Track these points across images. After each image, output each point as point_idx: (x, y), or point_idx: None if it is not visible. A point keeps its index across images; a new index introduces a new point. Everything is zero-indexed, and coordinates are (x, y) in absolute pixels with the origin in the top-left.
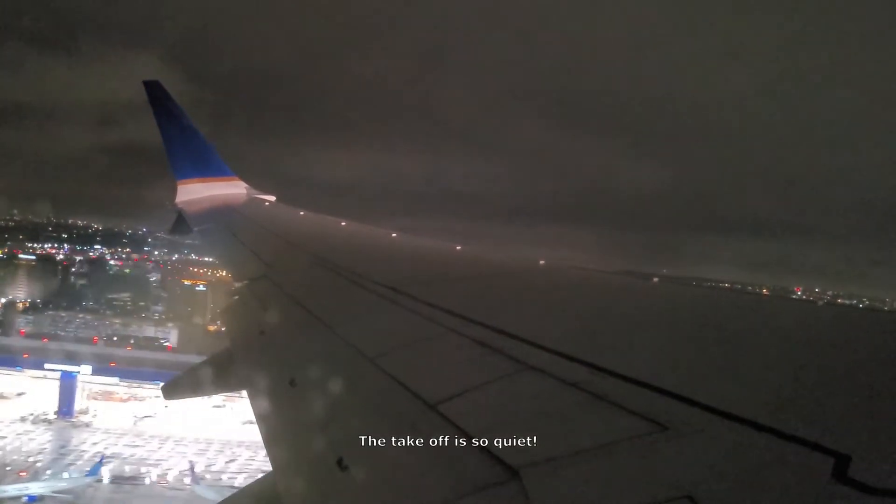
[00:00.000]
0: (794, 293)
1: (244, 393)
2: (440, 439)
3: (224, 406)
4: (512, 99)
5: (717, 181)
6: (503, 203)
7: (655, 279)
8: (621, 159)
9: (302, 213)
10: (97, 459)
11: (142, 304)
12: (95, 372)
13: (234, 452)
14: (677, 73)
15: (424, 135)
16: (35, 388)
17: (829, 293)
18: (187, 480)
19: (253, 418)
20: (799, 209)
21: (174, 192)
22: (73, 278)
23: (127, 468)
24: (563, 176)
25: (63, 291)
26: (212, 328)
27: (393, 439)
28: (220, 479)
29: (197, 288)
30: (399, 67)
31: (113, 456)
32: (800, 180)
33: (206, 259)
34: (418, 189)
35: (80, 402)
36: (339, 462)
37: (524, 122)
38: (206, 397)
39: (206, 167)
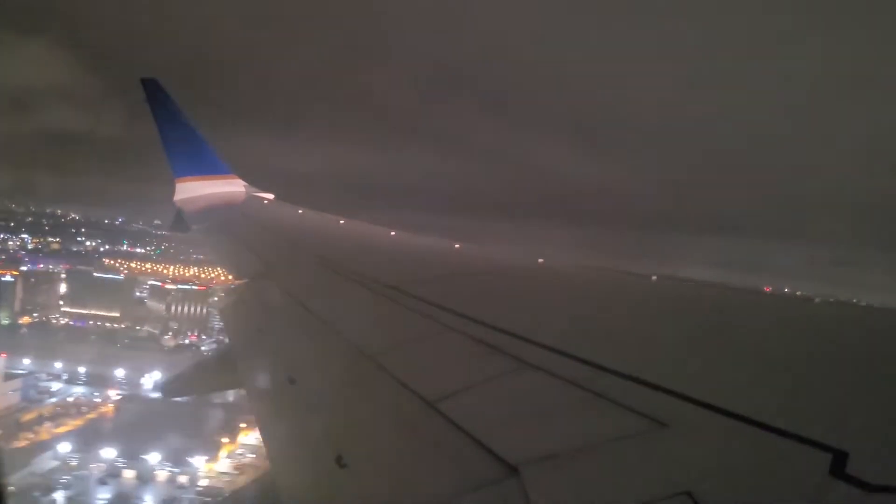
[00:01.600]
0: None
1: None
2: (440, 437)
3: None
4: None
5: (676, 181)
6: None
7: (654, 277)
8: (584, 159)
9: (301, 210)
10: None
11: None
12: None
13: None
14: (633, 71)
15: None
16: None
17: (798, 293)
18: None
19: None
20: (762, 210)
21: (173, 189)
22: None
23: None
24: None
25: None
26: (26, 320)
27: (392, 437)
28: None
29: (3, 279)
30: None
31: None
32: (761, 181)
33: (140, 251)
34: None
35: None
36: (338, 459)
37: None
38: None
39: (204, 165)
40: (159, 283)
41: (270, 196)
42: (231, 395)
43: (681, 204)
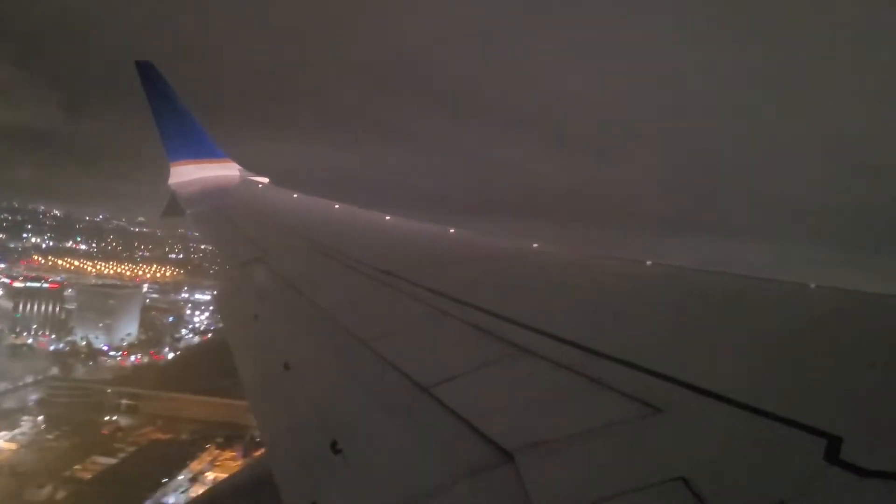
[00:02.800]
0: (723, 274)
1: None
2: (434, 422)
3: None
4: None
5: (644, 179)
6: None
7: (648, 262)
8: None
9: (295, 195)
10: None
11: None
12: None
13: None
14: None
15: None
16: None
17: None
18: None
19: None
20: (732, 209)
21: (167, 173)
22: None
23: None
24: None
25: None
26: None
27: (386, 422)
28: None
29: None
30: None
31: None
32: (734, 181)
33: (83, 248)
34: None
35: None
36: (333, 445)
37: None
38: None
39: (198, 149)
40: (8, 281)
41: (265, 180)
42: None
43: (653, 203)
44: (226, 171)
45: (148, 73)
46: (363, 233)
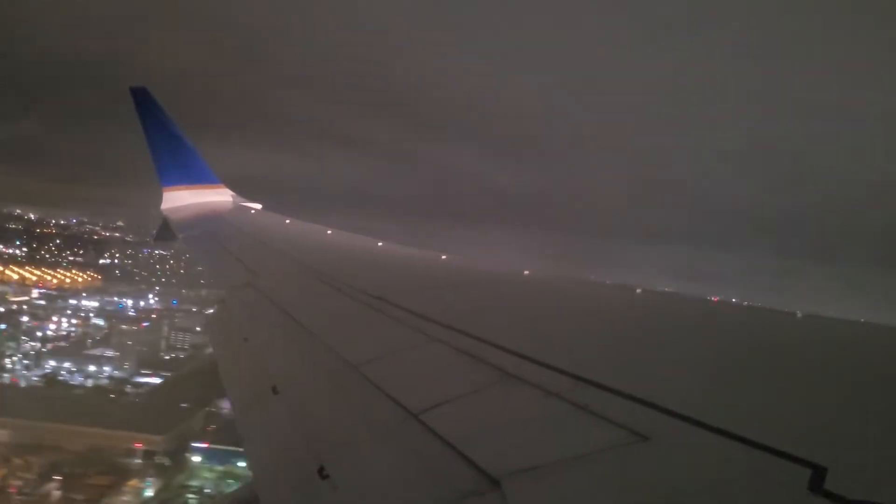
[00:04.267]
0: (712, 302)
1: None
2: (422, 448)
3: None
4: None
5: (616, 188)
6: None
7: (638, 290)
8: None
9: (288, 221)
10: None
11: None
12: None
13: None
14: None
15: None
16: None
17: (746, 303)
18: None
19: None
20: (705, 218)
21: (160, 198)
22: None
23: None
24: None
25: None
26: None
27: (374, 448)
28: None
29: None
30: None
31: None
32: (707, 191)
33: (11, 251)
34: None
35: None
36: (321, 471)
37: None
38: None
39: (192, 174)
40: None
41: (258, 206)
42: None
43: (623, 212)
44: (219, 196)
45: (142, 99)
46: (355, 258)
